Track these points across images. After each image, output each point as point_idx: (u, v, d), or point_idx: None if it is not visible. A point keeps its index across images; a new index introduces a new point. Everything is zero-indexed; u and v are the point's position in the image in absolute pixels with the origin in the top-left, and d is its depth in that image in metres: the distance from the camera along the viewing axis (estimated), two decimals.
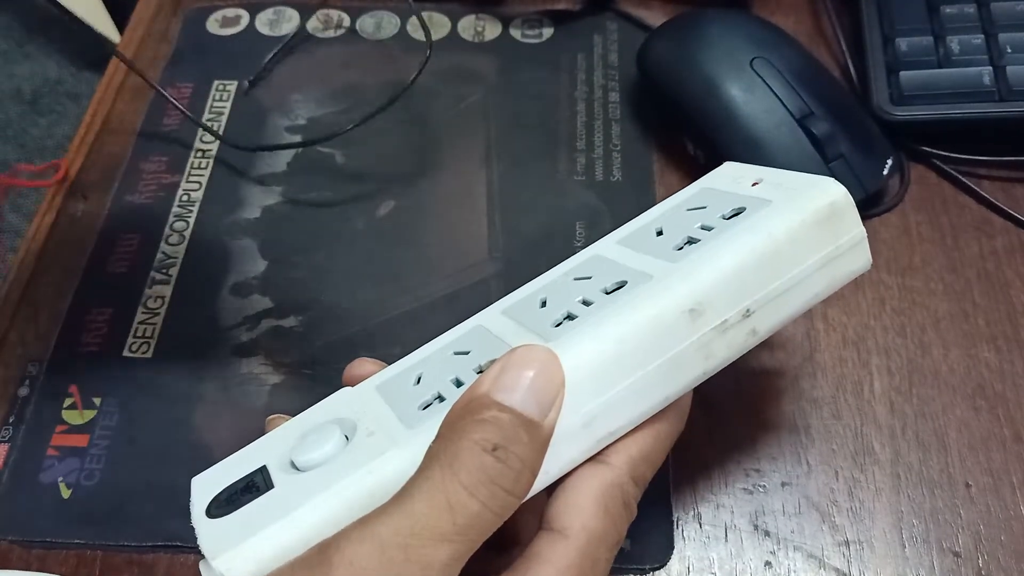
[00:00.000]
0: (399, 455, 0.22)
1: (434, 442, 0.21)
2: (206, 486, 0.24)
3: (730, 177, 0.29)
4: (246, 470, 0.24)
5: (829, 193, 0.25)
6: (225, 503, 0.23)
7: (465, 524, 0.20)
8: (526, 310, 0.26)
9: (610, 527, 0.23)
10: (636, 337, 0.23)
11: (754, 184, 0.27)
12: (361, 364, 0.27)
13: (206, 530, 0.22)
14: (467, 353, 0.26)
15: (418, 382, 0.25)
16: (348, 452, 0.23)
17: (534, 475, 0.22)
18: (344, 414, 0.25)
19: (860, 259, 0.25)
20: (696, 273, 0.24)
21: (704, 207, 0.27)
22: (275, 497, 0.22)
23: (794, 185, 0.26)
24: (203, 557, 0.22)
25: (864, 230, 0.25)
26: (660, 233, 0.27)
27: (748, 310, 0.24)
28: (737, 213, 0.26)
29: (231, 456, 0.25)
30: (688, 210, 0.28)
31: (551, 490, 0.23)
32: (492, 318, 0.27)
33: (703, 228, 0.26)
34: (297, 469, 0.23)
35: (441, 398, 0.24)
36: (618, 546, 0.23)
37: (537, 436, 0.22)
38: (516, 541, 0.25)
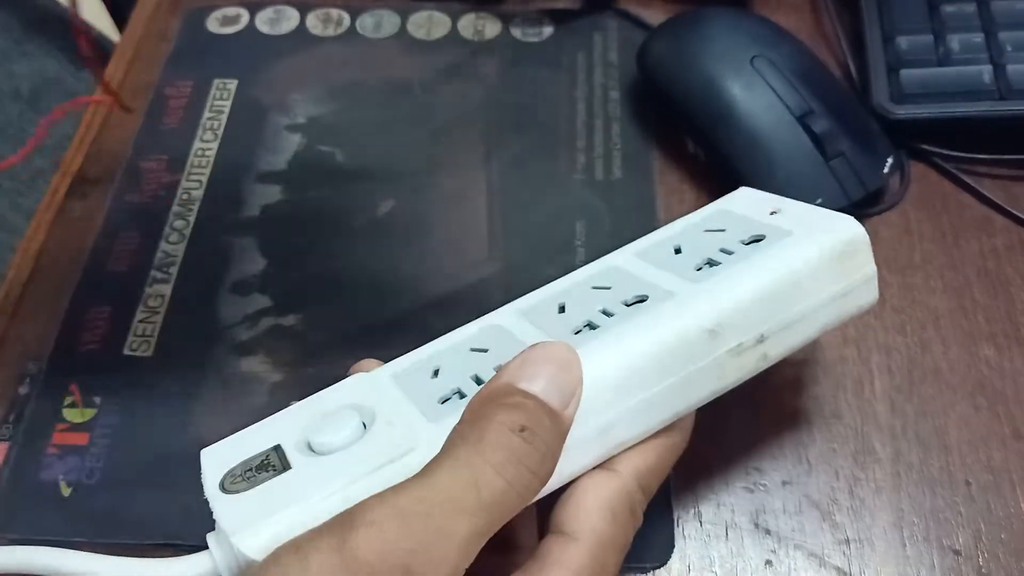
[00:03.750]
0: (427, 455, 0.22)
1: (458, 425, 0.22)
2: (217, 459, 0.23)
3: (747, 202, 0.30)
4: (260, 447, 0.24)
5: (848, 231, 0.26)
6: (240, 479, 0.22)
7: (490, 501, 0.20)
8: (544, 314, 0.27)
9: (618, 532, 0.23)
10: (659, 352, 0.24)
11: (772, 213, 0.28)
12: (368, 364, 0.27)
13: (222, 505, 0.22)
14: (485, 351, 0.26)
15: (435, 375, 0.25)
16: (369, 440, 0.23)
17: (555, 462, 0.22)
18: (360, 400, 0.25)
19: (869, 295, 0.26)
20: (719, 296, 0.25)
21: (723, 230, 0.28)
22: (293, 478, 0.22)
23: (813, 219, 0.27)
24: (211, 530, 0.21)
25: (875, 268, 0.26)
26: (678, 251, 0.28)
27: (762, 336, 0.25)
28: (756, 239, 0.27)
29: (242, 431, 0.25)
30: (706, 231, 0.28)
31: (553, 496, 0.24)
32: (509, 318, 0.27)
33: (723, 251, 0.27)
34: (313, 452, 0.23)
35: (461, 394, 0.24)
36: (625, 551, 0.24)
37: (558, 424, 0.22)
38: (513, 544, 0.25)
